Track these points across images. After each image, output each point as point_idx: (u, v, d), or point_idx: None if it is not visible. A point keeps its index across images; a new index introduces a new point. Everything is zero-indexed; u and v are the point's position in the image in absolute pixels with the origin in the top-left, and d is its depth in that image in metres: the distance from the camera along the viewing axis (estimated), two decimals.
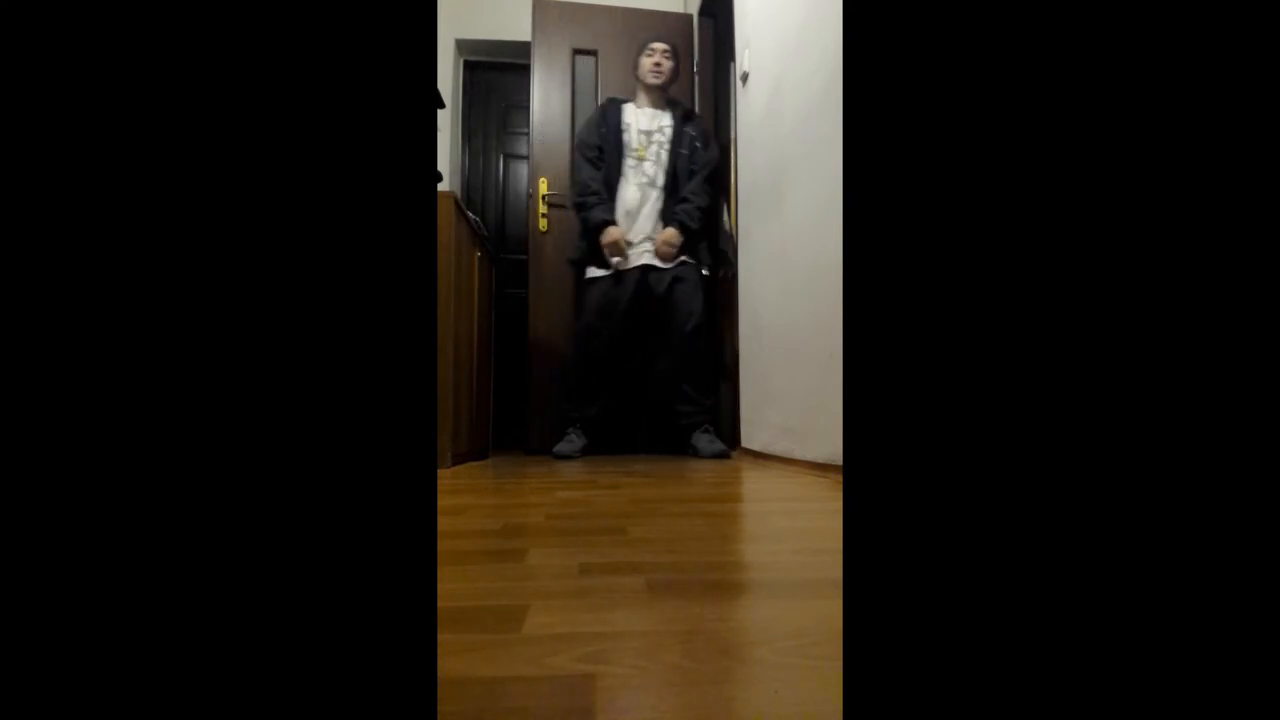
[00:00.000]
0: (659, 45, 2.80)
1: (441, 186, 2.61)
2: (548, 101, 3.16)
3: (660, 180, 2.76)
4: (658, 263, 2.67)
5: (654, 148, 2.79)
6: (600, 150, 2.81)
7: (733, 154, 2.79)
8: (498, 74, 3.71)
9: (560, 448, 2.62)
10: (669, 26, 3.23)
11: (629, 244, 2.69)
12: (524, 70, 3.44)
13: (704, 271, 2.71)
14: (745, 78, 2.51)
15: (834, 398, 1.58)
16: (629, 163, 2.78)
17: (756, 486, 1.52)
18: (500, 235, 3.66)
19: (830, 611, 0.55)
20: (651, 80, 2.80)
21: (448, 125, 3.47)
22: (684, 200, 2.69)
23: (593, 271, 2.74)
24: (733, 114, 2.89)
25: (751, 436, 2.37)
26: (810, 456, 1.74)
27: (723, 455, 2.49)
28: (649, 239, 2.72)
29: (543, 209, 3.08)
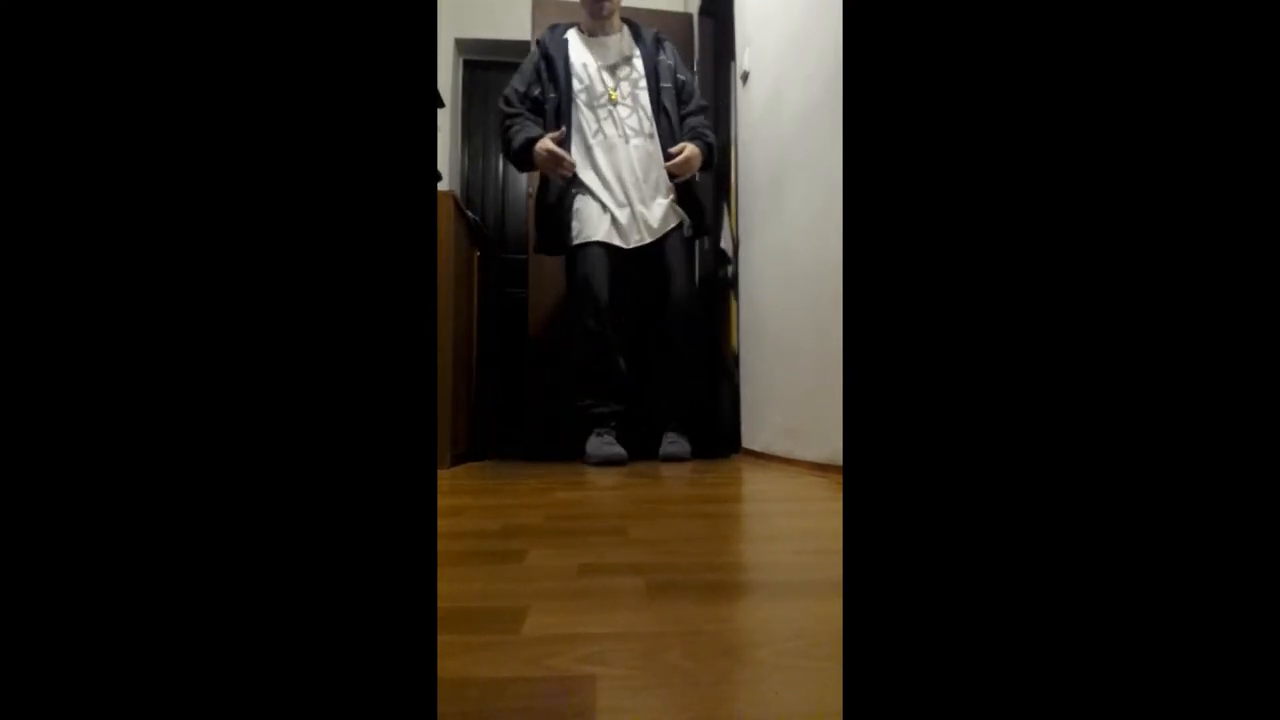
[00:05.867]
0: None
1: (441, 186, 2.61)
2: None
3: (648, 127, 2.13)
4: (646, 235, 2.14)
5: (625, 85, 2.13)
6: (537, 102, 2.12)
7: (733, 153, 2.79)
8: (497, 73, 3.71)
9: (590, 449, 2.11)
10: (669, 25, 3.23)
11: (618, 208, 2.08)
12: None
13: (686, 233, 2.25)
14: (745, 77, 2.51)
15: (834, 398, 1.58)
16: (600, 114, 2.11)
17: (757, 487, 1.52)
18: (500, 234, 3.66)
19: (831, 612, 0.55)
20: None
21: (447, 124, 3.47)
22: (692, 122, 2.13)
23: (582, 237, 2.06)
24: (733, 113, 2.89)
25: (752, 437, 2.36)
26: (810, 457, 1.74)
27: (683, 457, 2.09)
28: (656, 199, 2.11)
29: None
